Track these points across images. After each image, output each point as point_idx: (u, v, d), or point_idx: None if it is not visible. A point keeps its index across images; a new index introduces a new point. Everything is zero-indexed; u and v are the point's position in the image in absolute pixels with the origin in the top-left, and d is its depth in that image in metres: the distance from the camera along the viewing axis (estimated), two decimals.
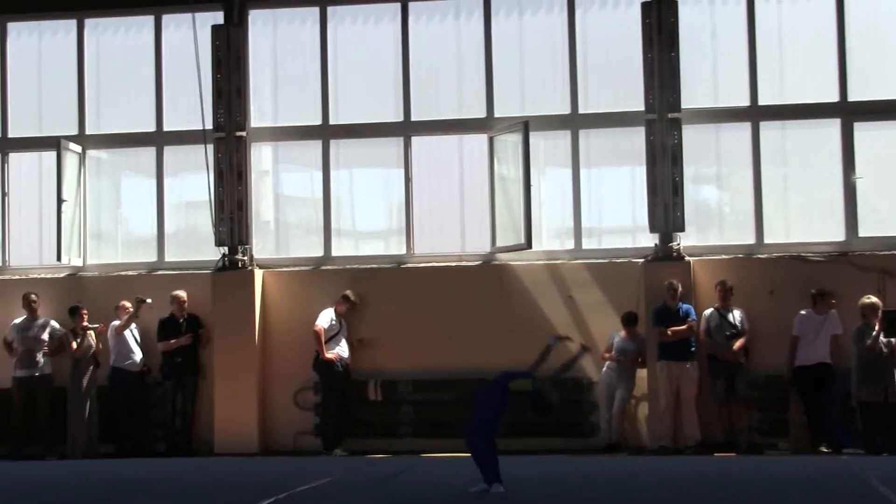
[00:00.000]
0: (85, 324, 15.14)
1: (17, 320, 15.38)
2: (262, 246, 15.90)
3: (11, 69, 16.44)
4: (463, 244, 15.61)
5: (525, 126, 14.93)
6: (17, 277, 16.06)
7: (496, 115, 15.49)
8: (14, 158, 16.48)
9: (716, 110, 15.22)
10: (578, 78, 15.36)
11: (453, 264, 15.38)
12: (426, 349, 15.00)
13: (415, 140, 15.69)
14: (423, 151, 15.71)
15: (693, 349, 14.28)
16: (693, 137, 15.02)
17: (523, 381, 9.82)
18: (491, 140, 15.48)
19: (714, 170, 15.72)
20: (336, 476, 11.97)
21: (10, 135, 16.42)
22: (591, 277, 15.03)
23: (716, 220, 15.66)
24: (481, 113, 15.57)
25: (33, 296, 15.41)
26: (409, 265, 15.49)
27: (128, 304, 15.23)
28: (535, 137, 15.00)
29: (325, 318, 14.82)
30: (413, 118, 15.67)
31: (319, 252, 15.75)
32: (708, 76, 15.37)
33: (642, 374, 14.59)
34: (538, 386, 9.84)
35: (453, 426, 14.54)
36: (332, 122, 15.83)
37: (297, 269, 15.66)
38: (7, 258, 16.29)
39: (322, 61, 15.81)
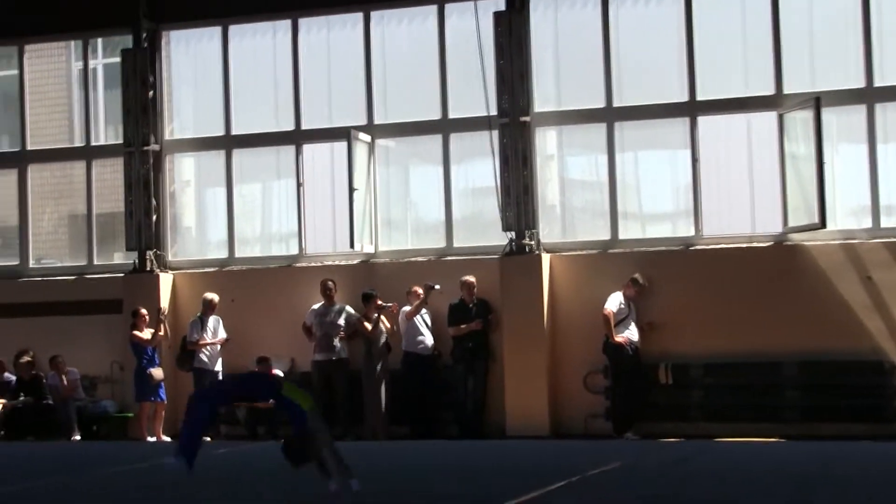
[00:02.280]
0: (379, 302, 16.12)
1: (315, 306, 16.55)
2: (549, 230, 16.47)
3: (303, 64, 17.61)
4: (753, 225, 15.74)
5: (817, 102, 14.92)
6: (314, 265, 17.30)
7: (785, 91, 15.56)
8: (307, 150, 17.65)
9: None
10: (874, 50, 15.25)
11: (744, 245, 15.56)
12: (717, 332, 15.20)
13: (701, 120, 15.93)
14: (710, 131, 15.92)
15: None
16: None
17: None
18: (780, 117, 15.53)
19: None
20: (627, 460, 12.38)
21: (304, 127, 17.62)
22: (891, 257, 14.92)
23: None
24: (769, 90, 15.67)
25: (330, 282, 16.54)
26: (699, 247, 15.78)
27: (418, 290, 16.15)
28: (826, 113, 15.00)
29: (614, 302, 15.30)
30: (699, 98, 15.92)
31: (606, 235, 16.21)
32: None
33: None
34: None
35: (745, 410, 14.89)
36: (615, 104, 16.25)
37: (583, 252, 16.19)
38: (304, 246, 17.57)
39: (605, 43, 16.22)
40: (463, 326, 15.98)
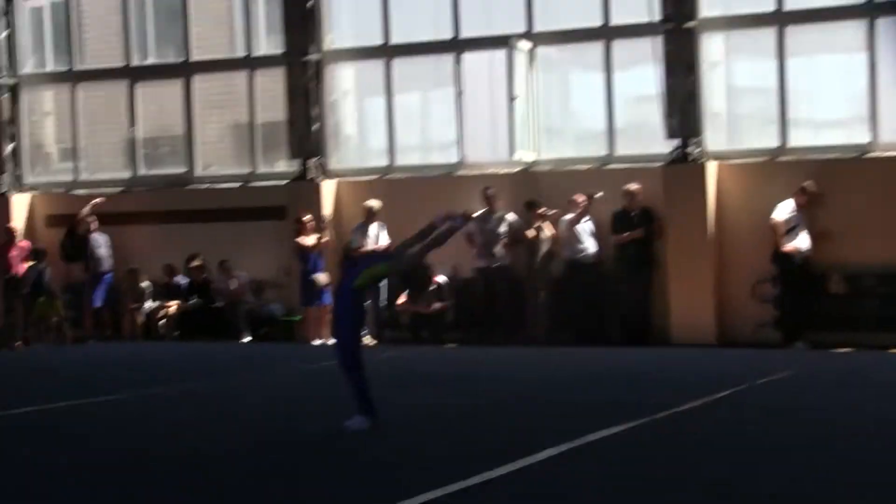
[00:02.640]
0: (541, 210, 16.29)
1: (476, 214, 16.83)
2: (714, 138, 16.36)
3: None
4: None
5: None
6: (474, 173, 17.51)
7: None
8: (467, 58, 17.74)
9: None
10: None
11: None
12: (893, 242, 15.04)
13: (880, 22, 15.51)
14: (890, 34, 15.45)
15: None
16: None
17: (370, 270, 9.13)
18: None
19: None
20: (796, 370, 12.40)
21: (463, 35, 17.68)
22: None
23: None
24: None
25: (491, 190, 16.76)
26: (874, 155, 15.53)
27: (580, 198, 16.27)
28: None
29: (784, 211, 15.18)
30: None
31: (775, 143, 16.04)
32: None
33: None
34: (395, 266, 9.23)
35: None
36: (786, 8, 15.95)
37: (750, 160, 16.07)
38: (464, 155, 17.77)
39: None
40: (626, 234, 16.07)
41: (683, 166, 16.08)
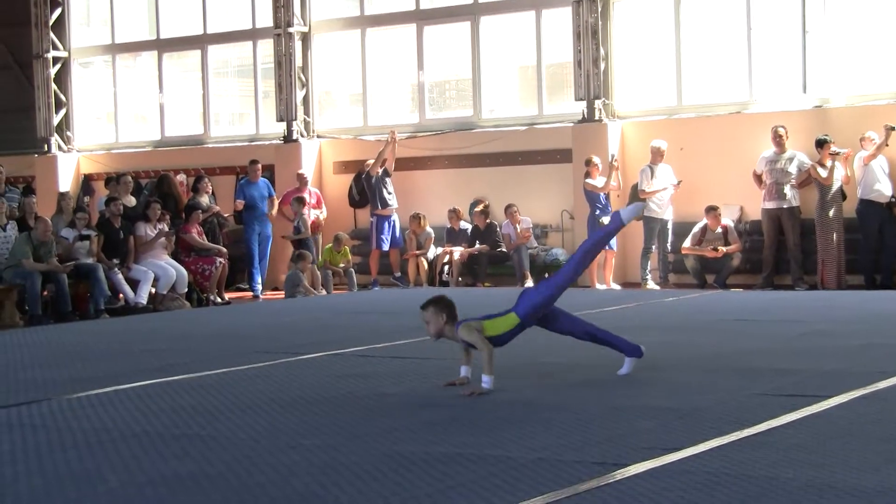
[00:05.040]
0: (833, 148, 16.58)
1: (766, 153, 17.23)
2: None
3: None
4: None
5: None
6: (765, 111, 17.94)
7: None
8: None
9: None
10: None
11: None
12: None
13: None
14: None
15: None
16: None
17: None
18: None
19: None
20: None
21: None
22: None
23: None
24: None
25: (781, 129, 17.10)
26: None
27: (872, 137, 16.49)
28: None
29: None
30: None
31: None
32: None
33: None
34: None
35: None
36: None
37: None
38: (754, 92, 18.23)
39: None
40: None
41: None
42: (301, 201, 19.49)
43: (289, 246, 19.75)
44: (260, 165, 19.81)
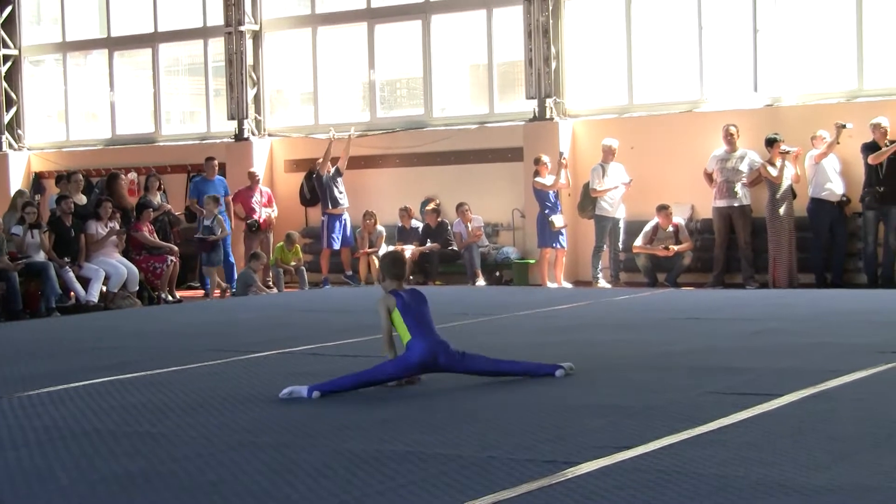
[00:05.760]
0: (783, 147, 16.61)
1: (717, 152, 17.28)
2: None
3: None
4: None
5: None
6: (715, 110, 18.00)
7: None
8: None
9: None
10: None
11: None
12: None
13: None
14: None
15: None
16: None
17: None
18: None
19: None
20: None
21: None
22: None
23: None
24: None
25: (732, 127, 17.16)
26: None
27: (823, 135, 16.52)
28: None
29: None
30: None
31: None
32: None
33: None
34: None
35: None
36: None
37: None
38: (704, 91, 18.31)
39: None
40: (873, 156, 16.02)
41: None
42: (216, 200, 19.07)
43: (240, 245, 19.70)
44: (216, 163, 19.74)
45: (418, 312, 8.38)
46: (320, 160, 19.50)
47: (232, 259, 19.44)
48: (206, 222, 18.85)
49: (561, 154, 18.07)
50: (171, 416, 7.66)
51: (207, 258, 18.82)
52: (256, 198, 19.84)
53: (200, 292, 19.43)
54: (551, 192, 17.99)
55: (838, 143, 16.42)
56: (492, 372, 8.54)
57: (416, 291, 8.59)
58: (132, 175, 21.65)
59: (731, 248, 17.23)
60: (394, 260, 8.73)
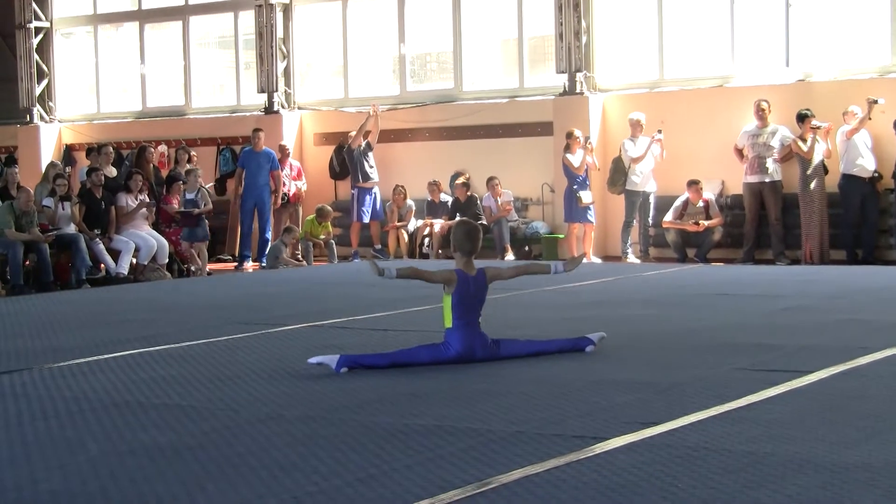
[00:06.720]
0: (815, 122, 16.49)
1: (748, 127, 17.18)
2: None
3: None
4: None
5: None
6: (747, 85, 17.91)
7: None
8: None
9: None
10: None
11: None
12: None
13: None
14: None
15: None
16: None
17: None
18: None
19: None
20: None
21: None
22: None
23: None
24: None
25: (764, 103, 17.04)
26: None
27: (856, 110, 16.41)
28: None
29: None
30: None
31: None
32: None
33: None
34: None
35: None
36: None
37: None
38: (735, 66, 18.20)
39: None
40: None
41: None
42: (195, 174, 18.63)
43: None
44: (262, 134, 19.65)
45: (472, 305, 8.26)
46: (352, 133, 19.48)
47: (268, 235, 19.40)
48: (189, 195, 18.25)
49: (587, 139, 17.98)
50: (200, 388, 7.69)
51: (191, 233, 17.96)
52: (286, 171, 19.84)
53: (231, 265, 19.48)
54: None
55: (870, 118, 16.30)
56: (527, 354, 8.49)
57: (481, 277, 8.35)
58: (162, 148, 21.67)
59: (761, 223, 17.13)
60: (467, 233, 8.39)
